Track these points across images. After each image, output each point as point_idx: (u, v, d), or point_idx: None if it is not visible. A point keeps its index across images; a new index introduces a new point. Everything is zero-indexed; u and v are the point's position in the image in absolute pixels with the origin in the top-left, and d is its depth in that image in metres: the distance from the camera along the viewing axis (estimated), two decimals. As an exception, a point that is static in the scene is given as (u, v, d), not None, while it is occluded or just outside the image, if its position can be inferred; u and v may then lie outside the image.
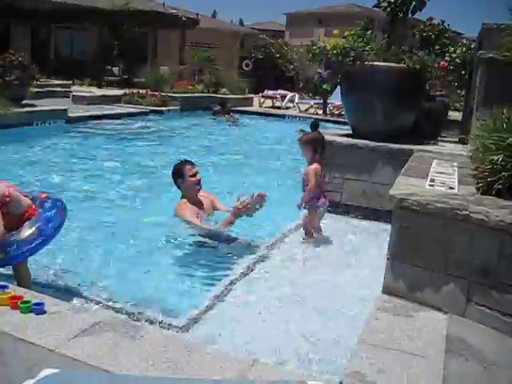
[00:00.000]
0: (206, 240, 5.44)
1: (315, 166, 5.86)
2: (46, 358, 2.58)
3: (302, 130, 6.29)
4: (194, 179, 5.82)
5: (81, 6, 24.32)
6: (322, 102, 21.60)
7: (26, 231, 4.02)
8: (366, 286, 4.52)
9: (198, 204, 5.84)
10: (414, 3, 7.62)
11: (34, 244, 3.99)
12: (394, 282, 3.81)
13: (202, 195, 5.97)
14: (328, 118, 19.65)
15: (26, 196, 4.30)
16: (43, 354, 2.64)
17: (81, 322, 2.99)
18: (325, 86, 21.63)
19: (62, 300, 3.46)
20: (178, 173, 5.87)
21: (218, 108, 18.94)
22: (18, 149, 10.50)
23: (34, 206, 4.23)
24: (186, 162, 5.97)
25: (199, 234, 5.51)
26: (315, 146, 5.87)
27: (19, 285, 3.84)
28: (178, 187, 5.93)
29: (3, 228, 3.87)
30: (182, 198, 5.89)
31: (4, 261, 3.96)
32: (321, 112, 21.22)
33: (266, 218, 6.03)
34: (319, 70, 19.83)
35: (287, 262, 5.28)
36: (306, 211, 5.94)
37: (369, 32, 8.26)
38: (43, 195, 4.46)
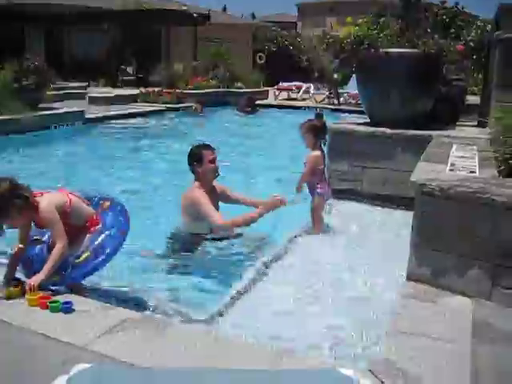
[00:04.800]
0: (220, 234, 5.31)
1: (316, 152, 5.88)
2: (77, 355, 2.63)
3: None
4: (212, 165, 5.36)
5: (93, 7, 24.45)
6: (331, 91, 21.53)
7: (83, 252, 3.76)
8: (389, 273, 4.51)
9: (211, 193, 5.38)
10: (426, -13, 7.57)
11: (93, 264, 3.70)
12: (418, 268, 3.81)
13: (214, 184, 5.55)
14: (342, 107, 19.59)
15: (88, 204, 4.10)
16: (74, 351, 2.69)
17: (109, 320, 3.04)
18: (336, 76, 21.59)
19: (89, 299, 3.52)
20: (196, 156, 5.38)
21: (246, 107, 18.30)
22: (37, 153, 10.59)
23: (95, 217, 3.99)
24: (206, 145, 5.52)
25: (211, 230, 5.25)
26: (316, 133, 5.88)
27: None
28: (193, 172, 5.46)
29: (67, 240, 3.66)
30: (195, 181, 5.44)
31: (58, 283, 3.63)
32: (336, 102, 21.12)
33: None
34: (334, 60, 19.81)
35: (305, 253, 5.27)
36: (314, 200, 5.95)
37: (382, 19, 8.23)
38: (106, 203, 4.18)
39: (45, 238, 4.01)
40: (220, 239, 5.31)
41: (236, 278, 4.59)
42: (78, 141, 12.38)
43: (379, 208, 6.82)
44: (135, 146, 11.80)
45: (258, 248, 5.26)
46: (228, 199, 5.60)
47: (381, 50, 7.36)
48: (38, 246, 3.94)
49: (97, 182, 8.14)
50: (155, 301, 4.13)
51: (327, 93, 22.29)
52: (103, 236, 3.84)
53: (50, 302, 3.15)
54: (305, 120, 6.15)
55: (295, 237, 5.68)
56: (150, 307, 4.04)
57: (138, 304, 4.10)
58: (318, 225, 5.90)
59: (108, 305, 3.38)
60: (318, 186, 5.90)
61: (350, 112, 17.42)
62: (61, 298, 3.23)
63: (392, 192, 6.81)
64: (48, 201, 3.67)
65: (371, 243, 5.46)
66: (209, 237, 5.30)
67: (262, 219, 5.11)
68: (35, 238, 3.97)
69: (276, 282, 4.56)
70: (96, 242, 3.80)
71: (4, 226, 3.58)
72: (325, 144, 6.09)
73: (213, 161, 5.39)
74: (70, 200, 3.86)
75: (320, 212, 5.97)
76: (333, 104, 20.80)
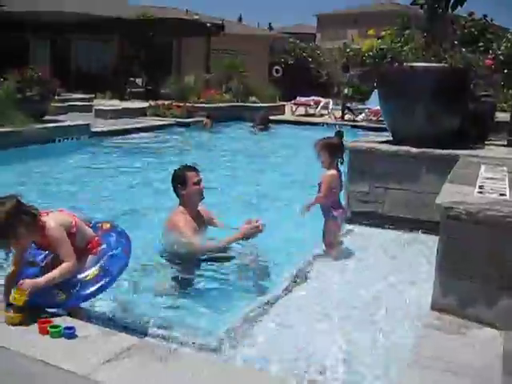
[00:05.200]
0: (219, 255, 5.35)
1: (332, 172, 5.86)
2: (79, 384, 2.63)
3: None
4: (197, 187, 5.47)
5: (102, 16, 24.77)
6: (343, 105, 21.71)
7: (90, 269, 3.82)
8: (412, 302, 4.49)
9: (196, 217, 5.51)
10: (453, -2, 7.60)
11: (98, 285, 3.75)
12: (444, 297, 3.78)
13: (199, 208, 5.67)
14: (362, 124, 19.64)
15: (88, 226, 4.17)
16: (76, 379, 2.69)
17: (113, 346, 3.04)
18: (346, 92, 21.75)
19: (92, 323, 3.53)
20: (180, 178, 5.51)
21: (259, 125, 18.30)
22: (40, 166, 10.69)
23: (96, 239, 4.07)
24: (190, 167, 5.65)
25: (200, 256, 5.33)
26: (333, 151, 5.86)
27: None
28: (177, 195, 5.58)
29: (76, 260, 3.72)
30: (179, 206, 5.55)
31: (64, 303, 3.67)
32: (358, 118, 21.16)
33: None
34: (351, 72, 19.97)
35: (320, 277, 5.27)
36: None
37: (407, 31, 8.26)
38: (106, 225, 4.27)
39: (38, 259, 4.04)
40: (225, 260, 5.34)
41: (244, 303, 4.59)
42: (82, 156, 12.49)
43: (402, 232, 6.78)
44: (140, 163, 11.88)
45: (267, 273, 5.29)
46: (213, 225, 5.73)
47: (405, 63, 7.37)
48: (32, 269, 3.96)
49: (97, 200, 8.19)
50: (160, 326, 4.13)
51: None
52: (108, 256, 3.92)
53: (50, 327, 3.16)
54: (321, 138, 6.15)
55: (309, 262, 5.66)
56: (155, 333, 4.04)
57: (142, 330, 4.10)
58: (331, 249, 5.87)
59: (111, 330, 3.39)
60: (333, 208, 5.88)
61: (371, 129, 17.44)
62: (62, 323, 3.24)
63: (416, 215, 6.78)
64: (55, 220, 3.74)
65: (392, 269, 5.43)
66: (213, 257, 5.34)
67: (274, 243, 5.26)
68: (30, 260, 4.00)
69: (287, 306, 4.55)
70: (101, 262, 3.87)
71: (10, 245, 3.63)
72: (342, 163, 6.07)
73: (197, 183, 5.49)
74: (76, 221, 3.92)
75: (333, 236, 5.93)
76: (353, 121, 20.83)
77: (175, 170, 5.66)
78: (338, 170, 5.96)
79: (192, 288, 4.95)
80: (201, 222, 5.55)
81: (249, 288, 4.98)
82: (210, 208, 5.83)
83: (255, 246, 5.40)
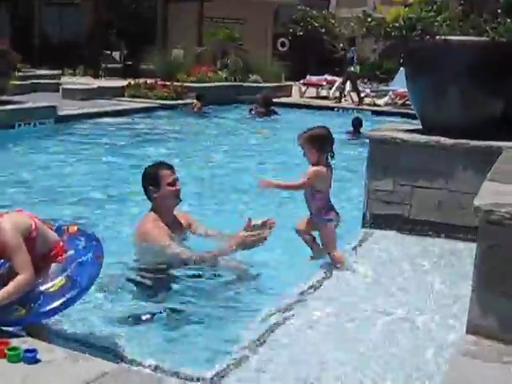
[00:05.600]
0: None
1: (317, 168, 5.82)
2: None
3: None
4: (172, 188, 5.47)
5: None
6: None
7: (55, 279, 3.76)
8: (443, 324, 4.50)
9: (173, 223, 5.52)
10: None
11: (64, 299, 3.68)
12: (482, 318, 3.78)
13: (176, 213, 5.69)
14: (385, 109, 19.68)
15: (51, 228, 4.13)
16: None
17: (83, 373, 3.04)
18: (352, 68, 21.82)
19: (57, 345, 3.53)
20: (152, 179, 5.50)
21: (259, 108, 18.29)
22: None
23: (61, 244, 4.02)
24: (163, 164, 5.65)
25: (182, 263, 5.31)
26: (320, 144, 5.82)
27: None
28: (149, 198, 5.60)
29: (33, 270, 3.66)
30: (151, 211, 5.59)
31: (24, 319, 3.62)
32: (380, 102, 21.20)
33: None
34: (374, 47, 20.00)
35: (331, 291, 5.30)
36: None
37: (440, -2, 8.26)
38: (73, 228, 4.23)
39: None
40: (220, 274, 5.37)
41: (243, 325, 4.60)
42: (46, 145, 12.47)
43: (432, 240, 6.79)
44: (115, 154, 11.86)
45: (271, 288, 5.31)
46: (193, 232, 5.76)
47: (438, 36, 7.36)
48: None
49: (61, 196, 8.26)
50: (139, 350, 4.13)
51: (368, 90, 22.38)
52: (76, 264, 3.87)
53: (8, 349, 3.15)
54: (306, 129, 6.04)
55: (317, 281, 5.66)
56: (131, 358, 4.04)
57: (117, 353, 4.10)
58: (338, 260, 5.86)
59: (80, 354, 3.38)
60: (324, 212, 5.88)
61: (396, 115, 17.46)
62: (22, 345, 3.23)
63: (449, 219, 6.78)
64: (10, 223, 3.68)
65: (420, 285, 5.44)
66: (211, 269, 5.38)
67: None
68: None
69: (287, 332, 4.55)
70: (68, 271, 3.82)
71: None
72: (332, 157, 6.00)
73: (172, 183, 5.48)
74: (35, 223, 3.87)
75: (334, 242, 5.93)
76: (374, 104, 20.86)
77: (146, 168, 5.67)
78: (328, 166, 5.91)
79: (176, 305, 4.93)
80: (178, 228, 5.56)
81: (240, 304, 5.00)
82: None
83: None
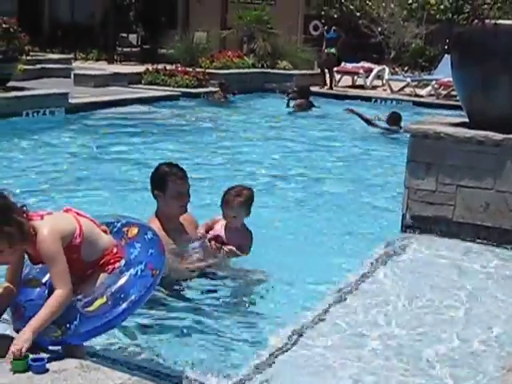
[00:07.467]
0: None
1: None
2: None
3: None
4: (179, 202, 5.51)
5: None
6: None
7: (97, 295, 3.56)
8: (500, 344, 4.47)
9: (175, 229, 5.54)
10: None
11: (105, 319, 3.50)
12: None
13: (183, 218, 5.69)
14: (427, 100, 19.57)
15: (105, 231, 3.87)
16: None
17: (94, 385, 3.05)
18: (328, 50, 21.74)
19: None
20: (159, 181, 5.51)
21: (298, 99, 17.69)
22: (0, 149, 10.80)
23: (115, 250, 3.78)
24: (176, 169, 5.57)
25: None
26: (250, 206, 5.78)
27: None
28: (155, 198, 5.58)
29: (70, 288, 3.47)
30: (156, 215, 5.59)
31: (59, 340, 3.46)
32: (422, 92, 21.11)
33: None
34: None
35: (361, 299, 5.30)
36: None
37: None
38: (133, 230, 3.96)
39: (45, 278, 3.88)
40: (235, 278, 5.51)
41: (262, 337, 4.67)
42: (56, 135, 12.57)
43: (479, 246, 6.76)
44: (130, 145, 12.00)
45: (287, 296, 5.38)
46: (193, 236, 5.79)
47: (488, 20, 7.33)
48: (37, 290, 3.84)
49: (74, 191, 8.39)
50: (158, 359, 4.16)
51: (409, 79, 22.27)
52: (126, 277, 3.65)
53: (12, 358, 3.16)
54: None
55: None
56: (151, 367, 4.07)
57: (131, 364, 4.13)
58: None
59: (92, 363, 3.37)
60: None
61: (440, 107, 17.37)
62: (28, 353, 3.22)
63: (498, 223, 6.75)
64: (50, 228, 3.49)
65: (466, 298, 5.40)
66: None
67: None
68: (31, 277, 3.88)
69: (313, 344, 4.55)
70: (116, 285, 3.61)
71: None
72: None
73: (179, 196, 5.47)
74: (80, 227, 3.64)
75: None
76: (415, 95, 20.77)
77: (157, 167, 5.62)
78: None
79: (188, 315, 4.99)
80: (180, 234, 5.59)
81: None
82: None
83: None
